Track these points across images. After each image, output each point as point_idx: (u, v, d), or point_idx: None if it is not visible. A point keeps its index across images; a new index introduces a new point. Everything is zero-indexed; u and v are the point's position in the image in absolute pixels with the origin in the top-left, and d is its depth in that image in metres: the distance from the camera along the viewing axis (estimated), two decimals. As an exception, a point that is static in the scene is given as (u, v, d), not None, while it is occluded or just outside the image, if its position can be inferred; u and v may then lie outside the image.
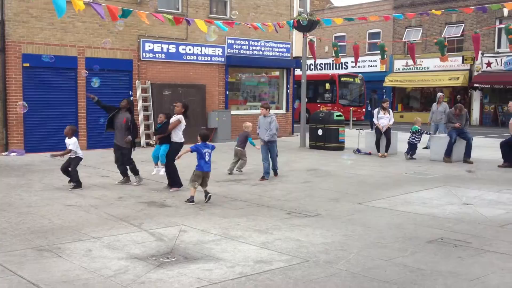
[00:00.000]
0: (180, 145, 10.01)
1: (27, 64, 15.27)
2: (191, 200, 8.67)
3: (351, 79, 32.08)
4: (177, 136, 9.95)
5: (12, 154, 14.96)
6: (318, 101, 31.51)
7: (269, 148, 11.17)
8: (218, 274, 5.24)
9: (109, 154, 14.84)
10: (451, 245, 6.21)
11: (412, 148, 14.34)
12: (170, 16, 12.51)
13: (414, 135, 14.36)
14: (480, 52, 29.79)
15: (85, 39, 16.37)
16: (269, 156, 11.21)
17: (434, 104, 15.95)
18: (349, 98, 31.92)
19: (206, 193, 8.76)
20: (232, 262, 5.63)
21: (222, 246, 6.22)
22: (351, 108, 28.51)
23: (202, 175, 8.72)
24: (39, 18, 15.50)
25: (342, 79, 31.40)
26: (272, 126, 11.00)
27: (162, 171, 10.14)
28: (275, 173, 11.42)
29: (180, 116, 9.97)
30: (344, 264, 5.54)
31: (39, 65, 15.05)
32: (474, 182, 10.69)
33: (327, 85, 31.34)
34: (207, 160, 8.71)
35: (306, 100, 18.53)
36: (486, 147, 16.40)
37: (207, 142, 8.87)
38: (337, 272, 5.29)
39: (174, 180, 9.91)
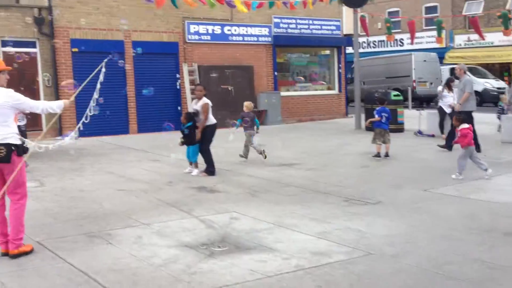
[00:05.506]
0: (214, 126, 9.67)
1: (76, 49, 15.31)
2: (377, 155, 10.72)
3: None
4: (209, 119, 9.61)
5: (66, 138, 15.05)
6: None
7: None
8: (272, 266, 4.83)
9: (158, 138, 14.73)
10: (533, 237, 5.56)
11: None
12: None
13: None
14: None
15: (131, 22, 16.20)
16: None
17: None
18: None
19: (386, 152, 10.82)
20: (287, 253, 5.20)
21: (276, 236, 5.80)
22: None
23: (379, 132, 10.80)
24: (84, 2, 15.56)
25: None
26: None
27: (195, 171, 9.74)
28: None
29: (205, 99, 9.63)
30: (412, 258, 5.00)
31: (87, 50, 14.99)
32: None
33: None
34: (383, 120, 10.76)
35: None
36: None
37: (384, 107, 11.10)
38: (405, 267, 4.77)
39: (209, 164, 9.56)
